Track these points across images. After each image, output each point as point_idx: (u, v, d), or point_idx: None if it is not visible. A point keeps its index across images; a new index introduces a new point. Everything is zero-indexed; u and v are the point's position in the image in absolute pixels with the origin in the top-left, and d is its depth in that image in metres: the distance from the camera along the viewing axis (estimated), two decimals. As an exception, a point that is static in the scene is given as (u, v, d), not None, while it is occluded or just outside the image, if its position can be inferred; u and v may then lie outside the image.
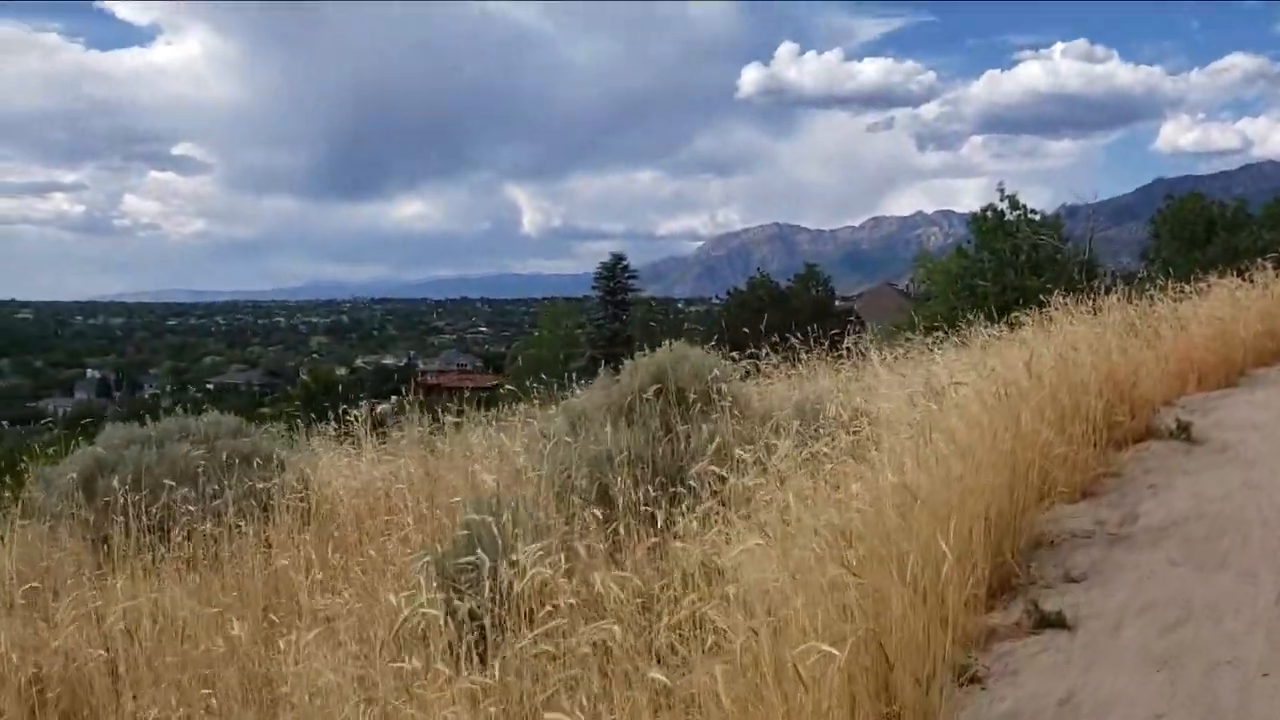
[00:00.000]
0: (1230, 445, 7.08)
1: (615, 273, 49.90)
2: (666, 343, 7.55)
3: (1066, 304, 11.07)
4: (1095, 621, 4.34)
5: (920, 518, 4.31)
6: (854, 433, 5.43)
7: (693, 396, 6.71)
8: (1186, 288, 11.34)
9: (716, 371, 6.91)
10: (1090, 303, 11.57)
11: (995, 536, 4.93)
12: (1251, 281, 10.67)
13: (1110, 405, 7.49)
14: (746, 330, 10.10)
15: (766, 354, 12.10)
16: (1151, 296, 11.69)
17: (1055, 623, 4.33)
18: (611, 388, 7.17)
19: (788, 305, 31.21)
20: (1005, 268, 29.97)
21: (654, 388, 6.85)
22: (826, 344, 11.53)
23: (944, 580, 4.06)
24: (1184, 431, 7.32)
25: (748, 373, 10.70)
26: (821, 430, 5.62)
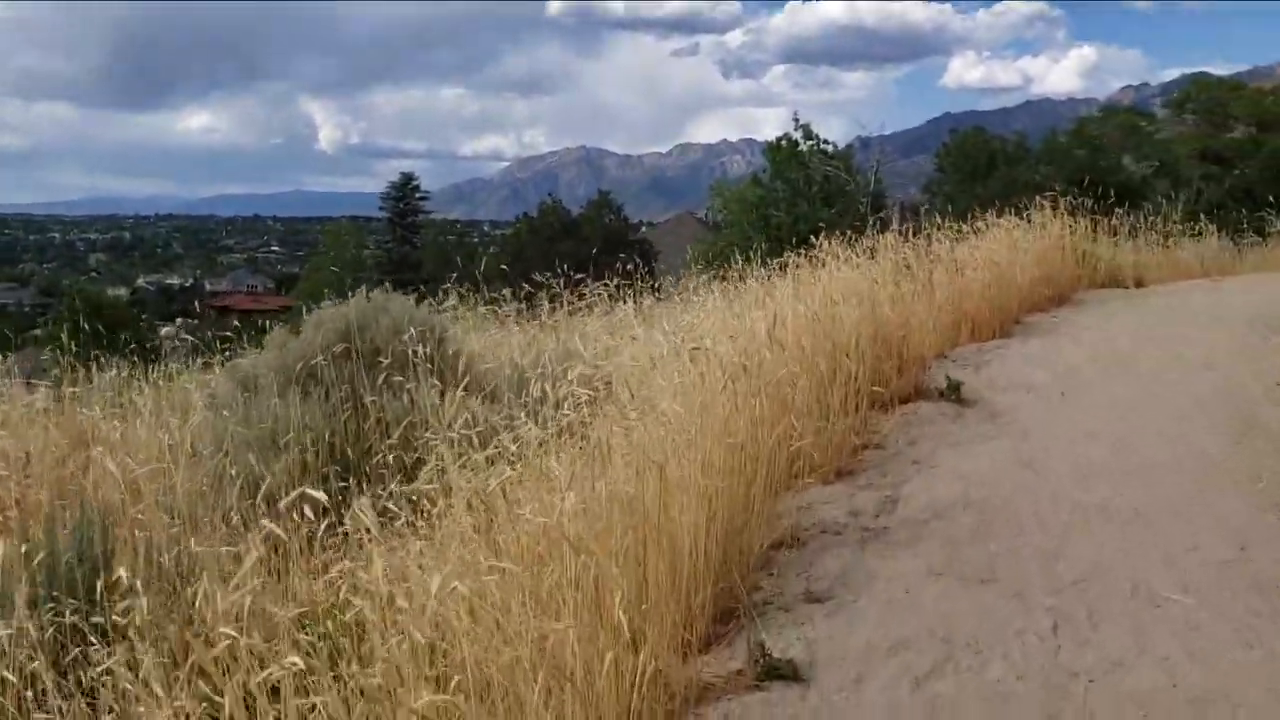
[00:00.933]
0: (1003, 410, 6.39)
1: (405, 193, 47.44)
2: (362, 292, 6.21)
3: (842, 244, 10.45)
4: (834, 669, 3.41)
5: (617, 538, 3.29)
6: (567, 411, 4.33)
7: (387, 360, 5.43)
8: (965, 227, 10.84)
9: (414, 331, 5.61)
10: (868, 241, 10.99)
11: (722, 545, 3.96)
12: (1029, 221, 10.18)
13: (878, 361, 6.71)
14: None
15: (525, 296, 11.03)
16: (929, 236, 11.14)
17: (785, 673, 3.38)
18: (287, 346, 5.79)
19: (580, 234, 30.02)
20: (798, 198, 29.83)
21: (341, 346, 5.55)
22: (601, 285, 10.76)
23: (646, 621, 3.09)
24: (954, 392, 6.60)
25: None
26: (528, 407, 4.50)
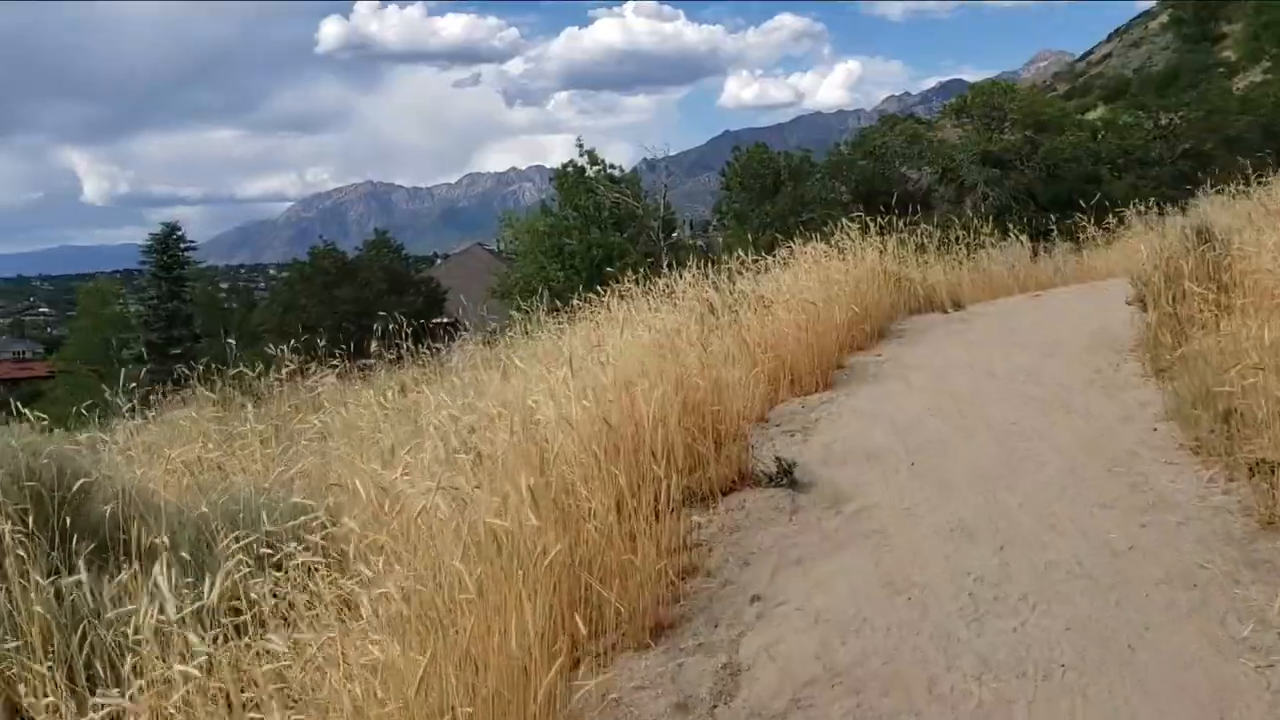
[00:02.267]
0: (847, 494, 5.11)
1: (169, 245, 43.72)
2: None
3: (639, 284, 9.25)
4: None
5: None
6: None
7: None
8: (766, 257, 9.77)
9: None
10: (666, 279, 9.78)
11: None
12: (839, 250, 9.11)
13: (691, 441, 5.35)
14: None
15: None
16: (730, 268, 9.99)
17: None
18: None
19: (359, 278, 27.89)
20: (590, 225, 28.77)
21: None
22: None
23: None
24: (786, 475, 5.30)
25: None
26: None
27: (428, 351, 11.19)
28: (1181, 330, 6.69)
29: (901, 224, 10.76)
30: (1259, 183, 25.64)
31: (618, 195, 26.35)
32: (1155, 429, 5.58)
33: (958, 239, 12.74)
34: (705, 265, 11.92)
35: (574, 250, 28.96)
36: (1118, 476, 4.93)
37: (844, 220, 9.77)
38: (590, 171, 29.89)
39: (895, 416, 6.36)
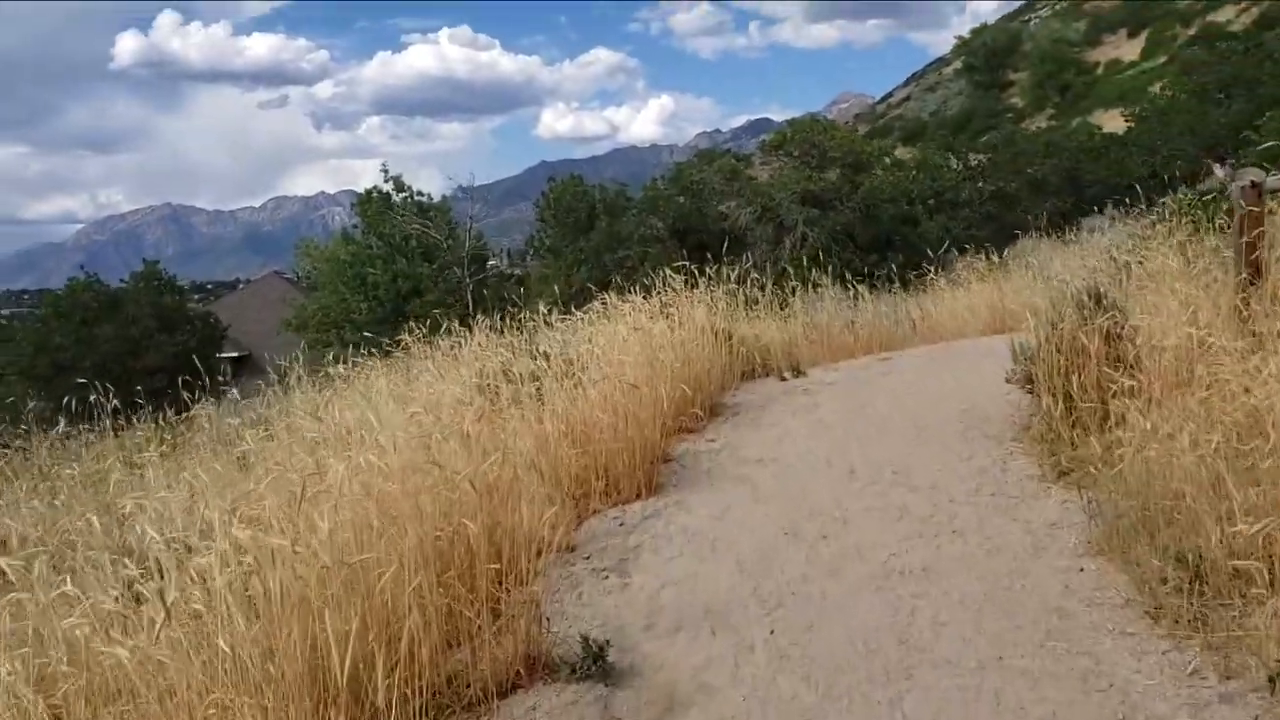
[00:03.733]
0: (686, 699, 3.47)
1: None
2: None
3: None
4: None
5: None
6: None
7: None
8: (578, 312, 8.22)
9: None
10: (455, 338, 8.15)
11: None
12: (662, 308, 7.56)
13: (450, 610, 3.63)
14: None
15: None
16: (535, 322, 8.38)
17: None
18: None
19: (124, 313, 24.73)
20: (395, 254, 26.73)
21: None
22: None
23: None
24: (596, 660, 3.62)
25: None
26: None
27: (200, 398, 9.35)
28: (1082, 421, 5.43)
29: (730, 273, 9.32)
30: (1070, 227, 25.99)
31: (418, 225, 24.31)
32: (1081, 568, 4.19)
33: (787, 285, 11.50)
34: (508, 310, 10.26)
35: (377, 281, 26.84)
36: (1058, 660, 3.48)
37: (666, 272, 8.22)
38: (397, 199, 27.92)
39: (740, 543, 4.78)
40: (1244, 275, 5.84)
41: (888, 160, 24.81)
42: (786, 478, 5.71)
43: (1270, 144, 13.52)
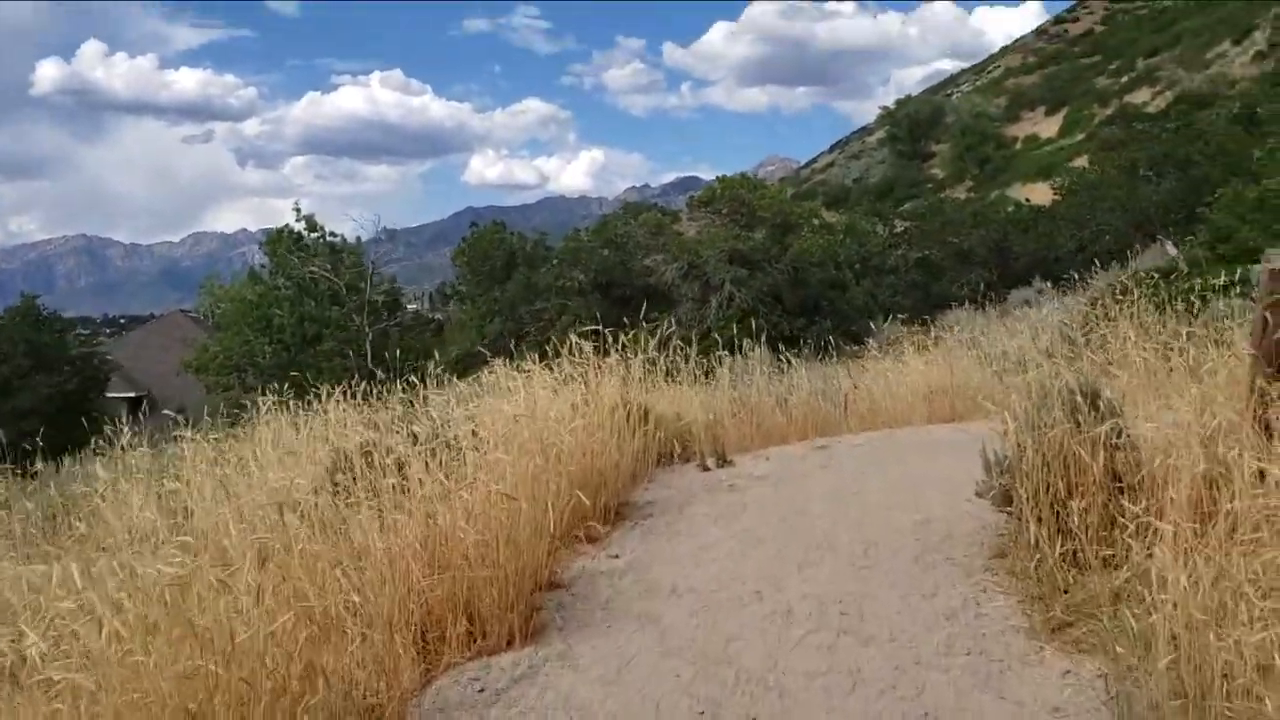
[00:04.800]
0: None
1: None
2: None
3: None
4: None
5: None
6: None
7: None
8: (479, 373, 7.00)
9: None
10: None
11: None
12: (566, 380, 6.34)
13: None
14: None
15: None
16: (417, 394, 7.12)
17: None
18: None
19: (-8, 352, 22.75)
20: (304, 296, 25.27)
21: None
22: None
23: None
24: None
25: None
26: None
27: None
28: (1079, 558, 4.29)
29: (650, 339, 8.11)
30: (998, 298, 25.39)
31: (314, 268, 22.82)
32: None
33: (714, 352, 10.36)
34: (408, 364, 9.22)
35: (283, 324, 25.31)
36: None
37: (573, 338, 6.99)
38: (309, 238, 26.51)
39: (641, 727, 3.51)
40: (1266, 374, 4.79)
41: (816, 222, 24.01)
42: (705, 617, 4.45)
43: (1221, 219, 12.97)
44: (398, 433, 6.36)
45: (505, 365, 7.44)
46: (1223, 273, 11.13)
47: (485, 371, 9.27)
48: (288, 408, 9.64)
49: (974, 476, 6.41)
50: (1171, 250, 12.31)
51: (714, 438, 7.82)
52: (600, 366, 7.32)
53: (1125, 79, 73.48)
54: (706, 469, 7.05)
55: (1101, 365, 7.75)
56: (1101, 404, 4.83)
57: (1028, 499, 4.53)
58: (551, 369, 7.02)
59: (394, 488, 4.92)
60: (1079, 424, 4.67)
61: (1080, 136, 66.66)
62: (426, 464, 5.18)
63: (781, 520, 5.85)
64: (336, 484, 5.76)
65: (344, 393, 9.02)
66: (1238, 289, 9.89)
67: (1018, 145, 74.31)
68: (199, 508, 5.53)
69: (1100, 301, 11.59)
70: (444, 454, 5.49)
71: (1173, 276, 10.66)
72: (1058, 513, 4.45)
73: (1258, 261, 12.23)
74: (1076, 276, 24.08)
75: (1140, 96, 68.43)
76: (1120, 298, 10.36)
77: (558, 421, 5.57)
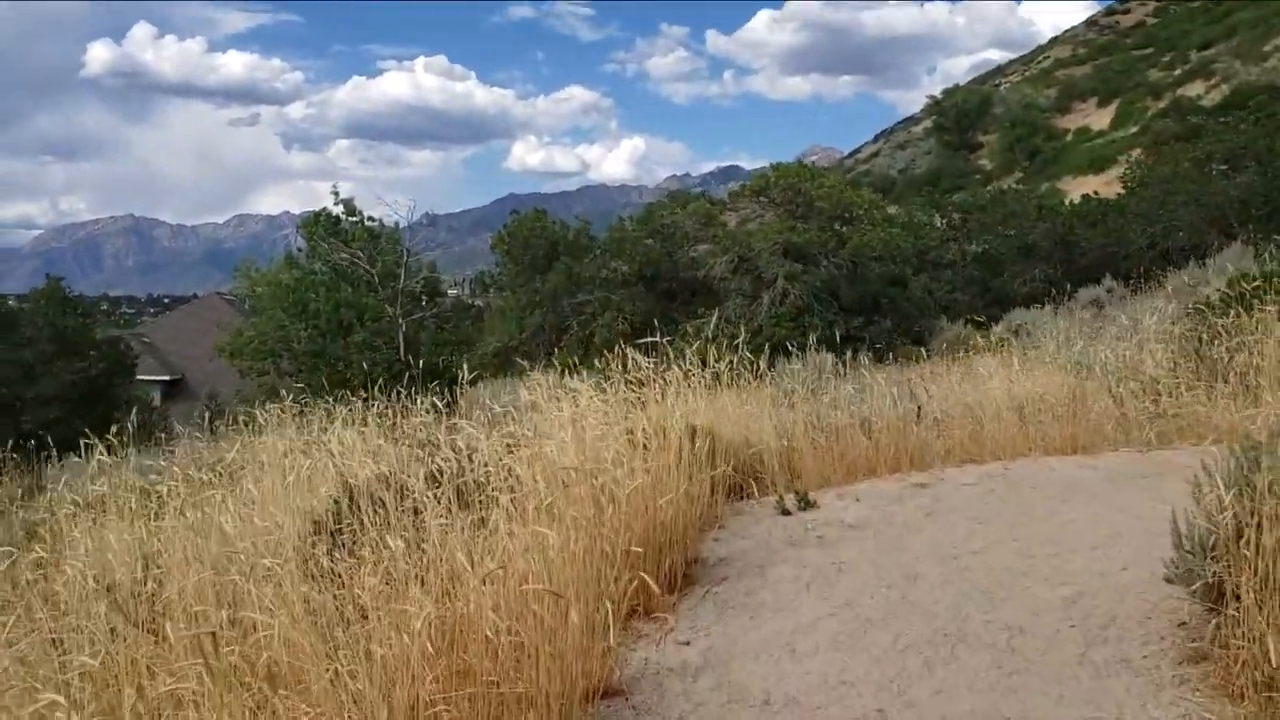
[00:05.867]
0: None
1: None
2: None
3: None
4: None
5: None
6: None
7: None
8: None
9: None
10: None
11: None
12: (626, 409, 5.23)
13: None
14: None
15: None
16: (442, 405, 6.10)
17: None
18: None
19: (19, 334, 22.01)
20: (341, 281, 24.46)
21: None
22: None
23: None
24: None
25: None
26: None
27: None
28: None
29: (712, 344, 6.91)
30: (1061, 297, 23.89)
31: (346, 254, 21.85)
32: None
33: (774, 355, 9.15)
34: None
35: (319, 309, 24.48)
36: None
37: (629, 351, 5.85)
38: (346, 223, 25.67)
39: None
40: None
41: (877, 214, 22.65)
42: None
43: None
44: (420, 456, 5.30)
45: (545, 377, 6.33)
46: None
47: (523, 381, 8.19)
48: (303, 415, 8.65)
49: (1117, 529, 5.22)
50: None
51: (790, 468, 6.66)
52: (659, 383, 6.19)
53: (1179, 71, 71.14)
54: (786, 512, 5.88)
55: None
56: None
57: (1254, 595, 3.34)
58: (603, 387, 5.91)
59: (405, 550, 3.83)
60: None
61: (1134, 129, 64.54)
62: (449, 511, 4.10)
63: (889, 590, 4.68)
64: (337, 532, 4.70)
65: (368, 396, 8.03)
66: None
67: (1068, 137, 72.16)
68: (166, 559, 4.48)
69: (1208, 308, 10.27)
70: (475, 500, 4.41)
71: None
72: (1301, 620, 3.27)
73: None
74: (1151, 274, 22.69)
75: (1194, 89, 66.14)
76: (1240, 304, 9.08)
77: (614, 464, 4.44)
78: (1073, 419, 7.05)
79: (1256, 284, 8.24)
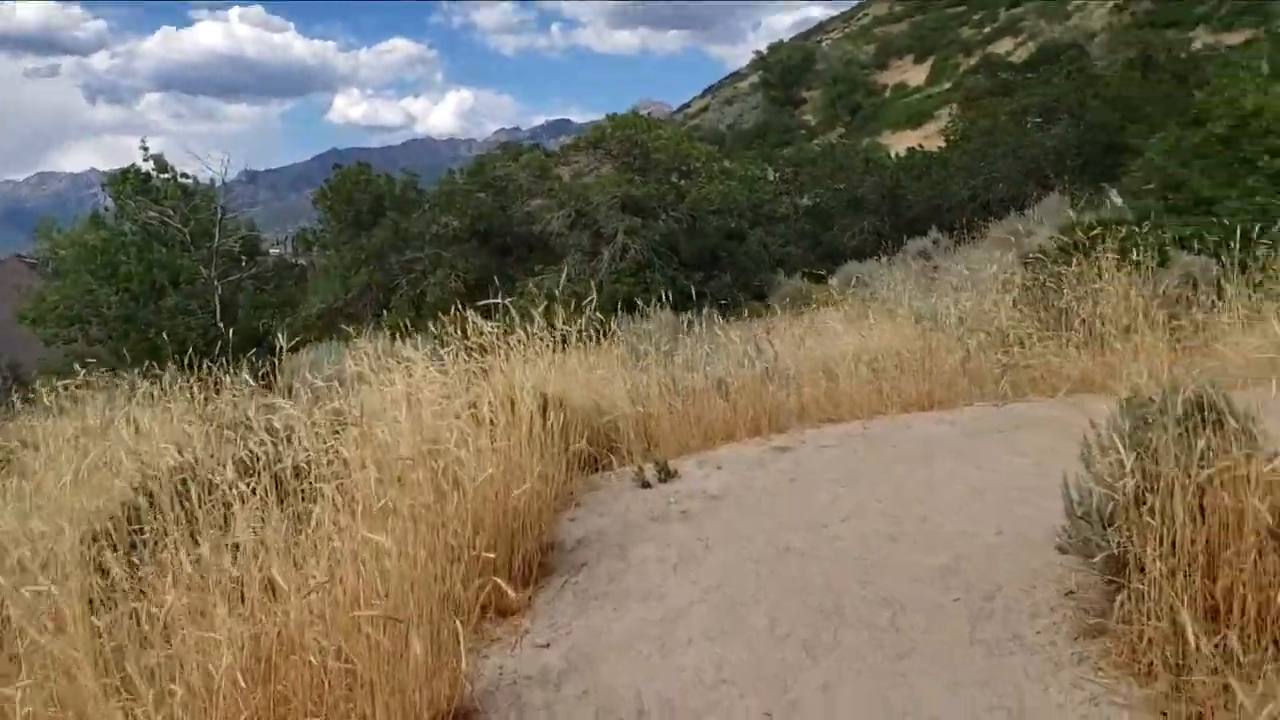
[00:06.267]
0: None
1: None
2: None
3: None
4: None
5: None
6: None
7: None
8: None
9: None
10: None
11: None
12: (468, 380, 4.70)
13: None
14: None
15: None
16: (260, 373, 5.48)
17: None
18: None
19: None
20: (153, 242, 22.77)
21: None
22: None
23: None
24: None
25: None
26: None
27: None
28: (1230, 650, 2.92)
29: (560, 305, 6.43)
30: (889, 249, 24.39)
31: (155, 213, 20.31)
32: None
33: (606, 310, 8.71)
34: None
35: (130, 272, 22.76)
36: None
37: (475, 320, 5.32)
38: (157, 180, 23.81)
39: None
40: None
41: (715, 168, 22.43)
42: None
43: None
44: (231, 439, 4.66)
45: (373, 344, 5.75)
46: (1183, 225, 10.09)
47: (349, 349, 7.53)
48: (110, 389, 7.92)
49: (982, 488, 5.04)
50: (1117, 200, 11.18)
51: (646, 435, 6.27)
52: (504, 349, 5.69)
53: (988, 29, 74.00)
54: (646, 484, 5.48)
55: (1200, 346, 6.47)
56: (1230, 424, 3.45)
57: (1162, 573, 3.12)
58: (440, 354, 5.36)
59: (211, 558, 3.25)
60: (1201, 452, 3.28)
61: (947, 85, 66.77)
62: (264, 505, 3.55)
63: (760, 566, 4.35)
64: (136, 534, 4.04)
65: (179, 366, 7.33)
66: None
67: (887, 93, 74.24)
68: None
69: (1046, 257, 10.41)
70: (295, 491, 3.85)
71: (1123, 229, 9.50)
72: (1208, 594, 3.08)
73: (1212, 213, 11.15)
74: (974, 225, 23.37)
75: (1004, 46, 68.88)
76: (1077, 253, 9.17)
77: (458, 444, 3.92)
78: (927, 375, 6.90)
79: (1096, 232, 8.30)
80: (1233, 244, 8.50)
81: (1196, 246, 9.96)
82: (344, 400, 4.84)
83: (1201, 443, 3.22)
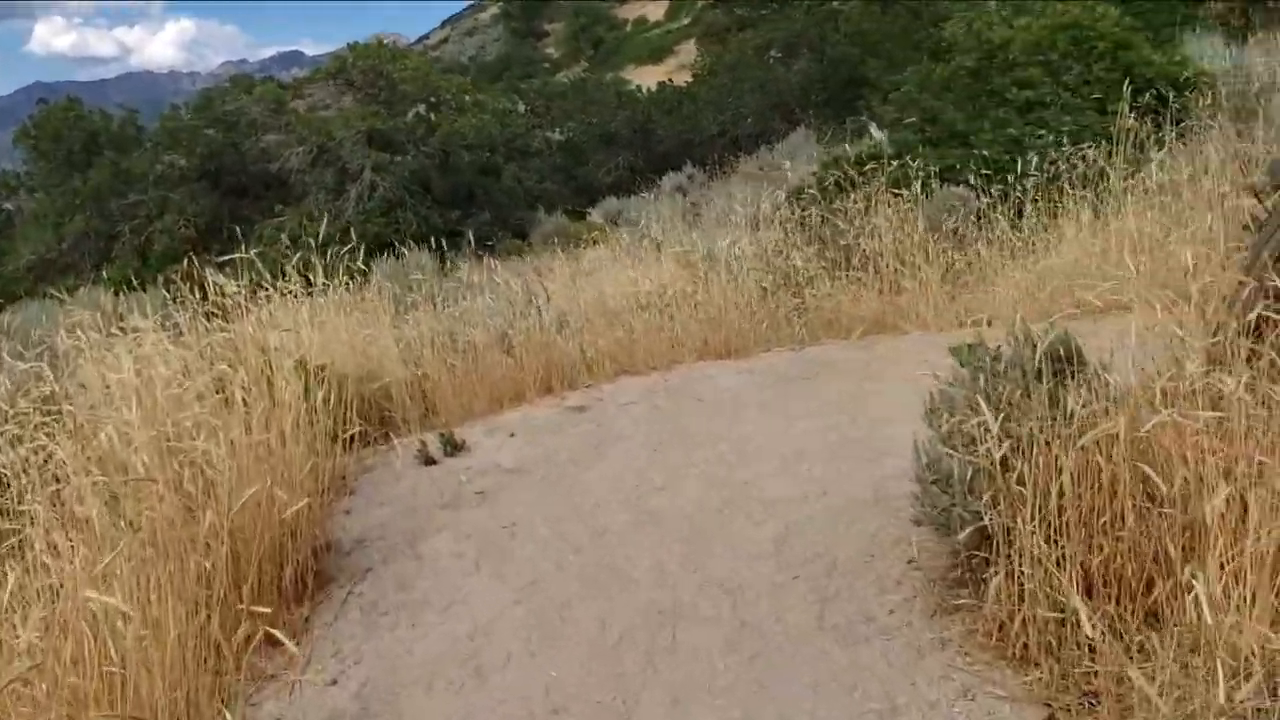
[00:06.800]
0: None
1: None
2: None
3: None
4: None
5: None
6: None
7: None
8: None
9: None
10: None
11: None
12: (201, 354, 3.87)
13: None
14: None
15: None
16: None
17: None
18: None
19: None
20: None
21: None
22: None
23: None
24: None
25: None
26: None
27: None
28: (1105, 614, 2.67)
29: (319, 255, 5.61)
30: (644, 185, 24.25)
31: None
32: None
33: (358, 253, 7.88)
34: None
35: None
36: None
37: (210, 277, 4.46)
38: None
39: None
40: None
41: (467, 100, 21.38)
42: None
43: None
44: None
45: (91, 314, 4.76)
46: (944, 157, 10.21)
47: (63, 310, 6.42)
48: None
49: (798, 444, 4.72)
50: (877, 134, 11.23)
51: (425, 400, 5.58)
52: (252, 309, 4.85)
53: (726, -37, 75.29)
54: (431, 460, 4.82)
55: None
56: (1078, 368, 3.20)
57: (1038, 541, 2.81)
58: (175, 319, 4.48)
59: None
60: (1059, 402, 3.01)
61: (686, 20, 67.51)
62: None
63: (577, 555, 3.82)
64: None
65: None
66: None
67: (628, 27, 74.37)
68: None
69: (807, 190, 10.33)
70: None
71: (883, 160, 9.51)
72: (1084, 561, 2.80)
73: (970, 145, 11.39)
74: (724, 160, 23.56)
75: (741, -19, 70.30)
76: (841, 184, 9.08)
77: (207, 438, 3.15)
78: (722, 321, 6.53)
79: (871, 165, 8.18)
80: (990, 174, 8.63)
81: (956, 179, 10.10)
82: (57, 382, 3.92)
83: (1071, 400, 2.93)
